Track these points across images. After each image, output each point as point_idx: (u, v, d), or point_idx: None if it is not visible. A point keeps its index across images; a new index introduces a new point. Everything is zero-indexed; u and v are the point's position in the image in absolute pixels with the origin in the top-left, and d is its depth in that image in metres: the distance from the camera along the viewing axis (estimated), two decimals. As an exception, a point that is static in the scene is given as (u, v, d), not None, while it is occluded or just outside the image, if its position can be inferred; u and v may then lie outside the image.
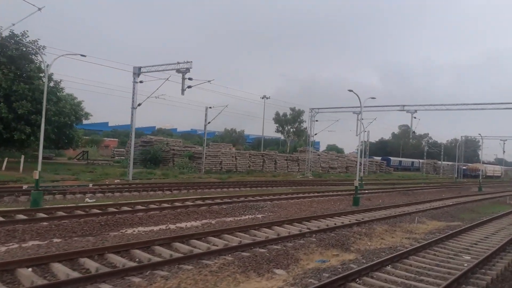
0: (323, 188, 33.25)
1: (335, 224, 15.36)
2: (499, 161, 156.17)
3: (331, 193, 27.47)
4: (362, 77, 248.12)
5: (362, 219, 17.14)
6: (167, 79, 27.08)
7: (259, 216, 16.31)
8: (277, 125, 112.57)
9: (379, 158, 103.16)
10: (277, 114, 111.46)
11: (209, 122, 42.07)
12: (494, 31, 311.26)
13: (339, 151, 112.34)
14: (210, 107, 41.82)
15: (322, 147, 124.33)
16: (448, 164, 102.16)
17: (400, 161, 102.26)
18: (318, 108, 48.36)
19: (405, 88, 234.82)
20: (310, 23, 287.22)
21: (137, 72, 28.35)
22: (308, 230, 13.10)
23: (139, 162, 45.38)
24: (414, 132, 41.64)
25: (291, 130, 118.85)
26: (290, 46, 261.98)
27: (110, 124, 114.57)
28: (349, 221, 16.14)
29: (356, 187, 22.57)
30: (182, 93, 26.45)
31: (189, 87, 26.67)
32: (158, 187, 24.26)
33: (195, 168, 42.53)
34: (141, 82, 28.23)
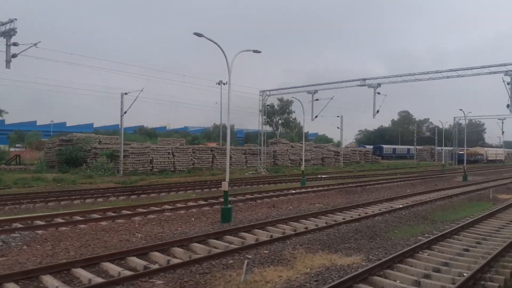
0: (245, 189, 24.81)
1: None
2: (506, 144, 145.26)
3: (237, 198, 19.02)
4: (368, 66, 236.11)
5: (149, 267, 8.68)
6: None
7: None
8: (265, 116, 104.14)
9: (371, 146, 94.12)
10: (265, 105, 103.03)
11: (125, 112, 33.78)
12: (499, 15, 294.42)
13: (329, 141, 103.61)
14: (126, 93, 33.52)
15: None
16: (447, 150, 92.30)
17: (394, 149, 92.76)
18: (270, 90, 39.69)
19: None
20: (313, 14, 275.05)
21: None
22: None
23: (57, 165, 37.58)
24: (378, 111, 32.79)
25: (280, 121, 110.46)
26: (293, 40, 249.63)
27: (95, 126, 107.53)
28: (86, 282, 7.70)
29: (225, 192, 13.95)
30: (7, 66, 18.21)
31: (14, 55, 18.43)
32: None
33: (114, 169, 34.39)
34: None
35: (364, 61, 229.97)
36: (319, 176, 38.13)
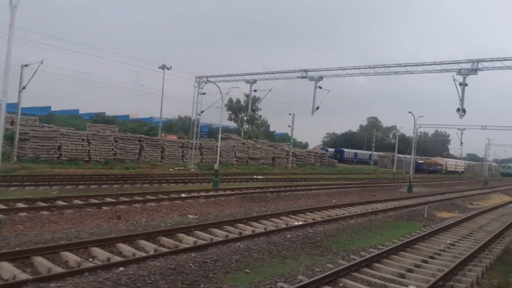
0: (128, 189, 19.79)
1: None
2: (472, 156, 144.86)
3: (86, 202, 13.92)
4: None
5: None
6: None
7: None
8: (230, 112, 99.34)
9: (333, 149, 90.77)
10: (230, 100, 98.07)
11: (24, 88, 28.12)
12: (475, 28, 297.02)
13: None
14: (26, 65, 27.83)
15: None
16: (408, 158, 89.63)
17: (356, 154, 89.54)
18: (207, 77, 34.57)
19: (392, 84, 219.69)
20: (294, 16, 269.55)
21: None
22: None
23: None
24: (317, 108, 28.35)
25: (245, 118, 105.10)
26: (274, 38, 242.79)
27: (53, 109, 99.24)
28: None
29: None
30: None
31: None
32: None
33: (9, 154, 28.60)
34: None
35: (344, 64, 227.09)
36: (254, 176, 33.52)
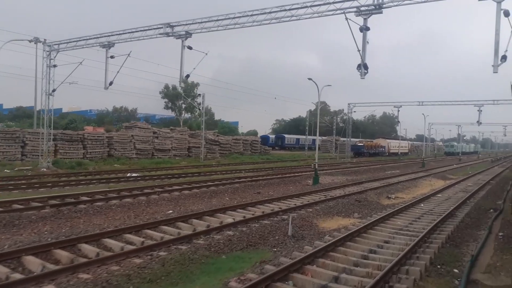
0: None
1: None
2: (420, 137, 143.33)
3: None
4: (300, 57, 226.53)
5: None
6: None
7: None
8: (166, 100, 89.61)
9: (273, 136, 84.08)
10: (166, 86, 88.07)
11: None
12: (426, 13, 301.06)
13: (232, 130, 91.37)
14: None
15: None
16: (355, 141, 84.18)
17: (298, 139, 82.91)
18: (58, 43, 25.16)
19: (345, 68, 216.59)
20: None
21: None
22: None
23: None
24: (188, 75, 20.35)
25: (183, 106, 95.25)
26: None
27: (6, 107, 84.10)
28: None
29: None
30: None
31: None
32: None
33: None
34: None
35: (297, 50, 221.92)
36: (128, 174, 25.23)
